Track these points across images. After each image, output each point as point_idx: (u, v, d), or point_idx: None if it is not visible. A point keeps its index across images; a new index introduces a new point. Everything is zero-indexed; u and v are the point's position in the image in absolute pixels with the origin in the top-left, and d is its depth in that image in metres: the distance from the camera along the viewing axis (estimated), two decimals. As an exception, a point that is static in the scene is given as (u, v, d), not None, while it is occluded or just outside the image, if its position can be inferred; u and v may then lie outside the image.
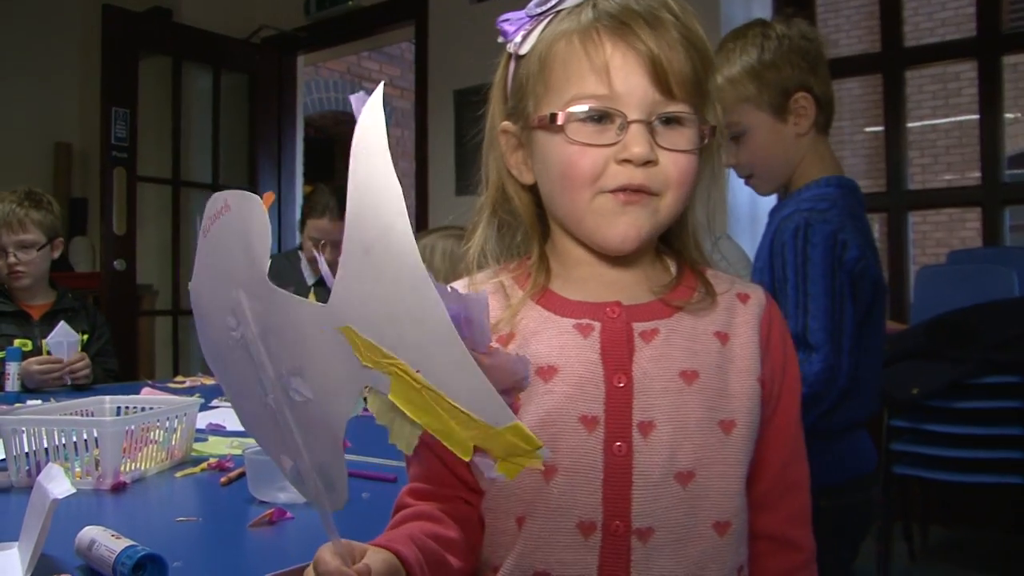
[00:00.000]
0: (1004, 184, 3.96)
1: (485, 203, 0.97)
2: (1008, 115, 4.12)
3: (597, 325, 0.88)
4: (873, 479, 1.60)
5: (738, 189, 3.12)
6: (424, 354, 0.54)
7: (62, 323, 2.73)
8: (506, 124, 0.94)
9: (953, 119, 9.60)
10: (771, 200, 3.68)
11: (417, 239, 2.06)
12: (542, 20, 0.89)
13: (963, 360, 2.97)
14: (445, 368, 0.54)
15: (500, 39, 0.93)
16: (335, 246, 3.27)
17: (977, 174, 4.20)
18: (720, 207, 0.96)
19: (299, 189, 5.55)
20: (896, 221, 4.22)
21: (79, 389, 2.68)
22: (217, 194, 0.66)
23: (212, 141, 5.17)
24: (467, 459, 0.57)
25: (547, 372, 0.86)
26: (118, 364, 3.11)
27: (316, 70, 7.69)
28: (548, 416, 0.85)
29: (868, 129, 9.74)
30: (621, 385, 0.85)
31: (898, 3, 4.23)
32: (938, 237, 9.60)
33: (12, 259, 2.78)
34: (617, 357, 0.86)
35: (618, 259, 0.91)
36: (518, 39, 0.90)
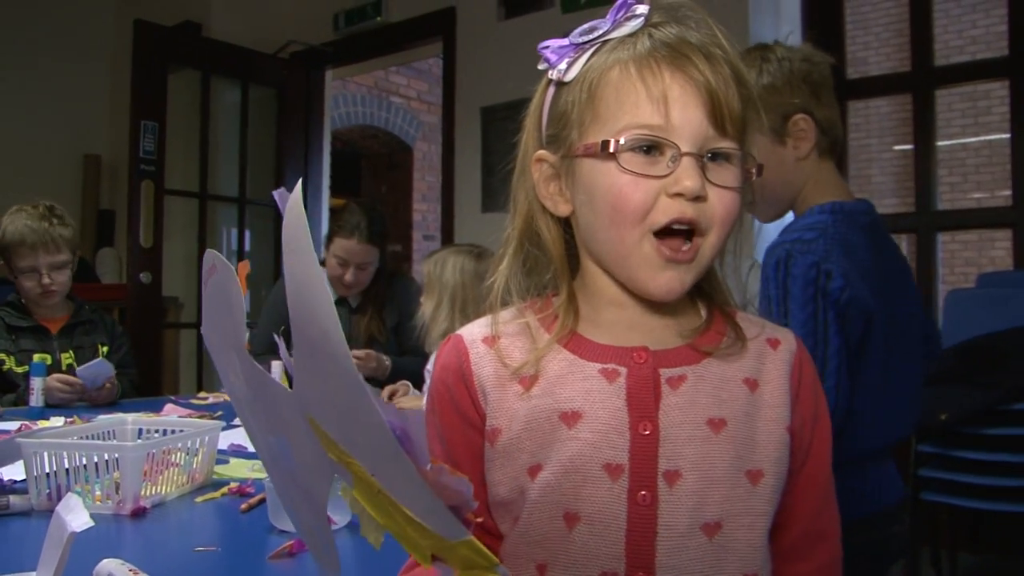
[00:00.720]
0: (1036, 206, 3.91)
1: (512, 235, 0.94)
2: (1040, 135, 4.08)
3: (623, 371, 0.85)
4: (893, 515, 1.53)
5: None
6: (375, 461, 0.53)
7: (101, 360, 2.72)
8: (542, 153, 0.91)
9: (983, 138, 9.51)
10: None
11: (432, 254, 2.07)
12: (588, 48, 0.87)
13: (994, 385, 2.92)
14: (396, 478, 0.53)
15: (541, 66, 0.90)
16: (359, 267, 3.23)
17: (1006, 192, 4.15)
18: (748, 238, 0.94)
19: (326, 203, 5.57)
20: (925, 242, 4.17)
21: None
22: (209, 252, 0.65)
23: (239, 155, 5.20)
24: (426, 567, 0.56)
25: (571, 418, 0.84)
26: (139, 375, 3.12)
27: (344, 84, 7.72)
28: (571, 463, 0.83)
29: (897, 147, 9.66)
30: (647, 433, 0.83)
31: (928, 21, 4.19)
32: (967, 257, 9.51)
33: (47, 279, 2.77)
34: (643, 404, 0.84)
35: (647, 304, 0.89)
36: (562, 66, 0.87)
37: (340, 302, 3.38)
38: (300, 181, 0.54)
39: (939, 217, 4.29)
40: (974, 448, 2.86)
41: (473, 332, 0.92)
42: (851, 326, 1.39)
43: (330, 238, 3.32)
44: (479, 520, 0.84)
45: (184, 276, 5.08)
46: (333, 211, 5.31)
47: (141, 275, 4.57)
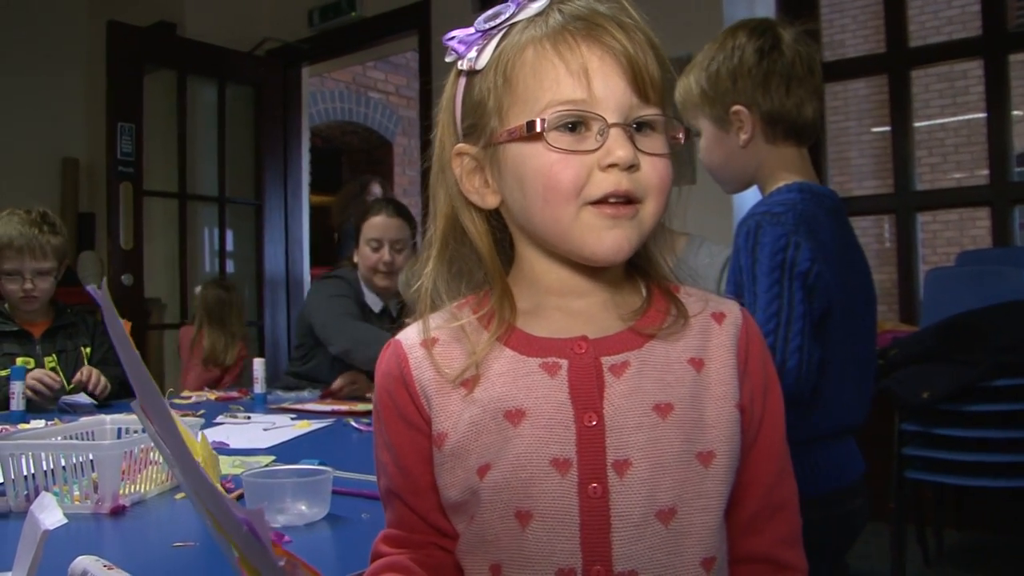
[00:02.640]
0: (1013, 183, 3.93)
1: (435, 237, 0.91)
2: (1016, 112, 4.10)
3: (564, 363, 0.84)
4: (855, 491, 1.56)
5: (743, 195, 3.10)
6: (244, 547, 0.54)
7: (83, 394, 2.70)
8: (462, 146, 0.89)
9: (961, 117, 9.55)
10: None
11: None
12: (495, 34, 0.85)
13: (974, 363, 2.94)
14: (263, 566, 0.54)
15: (449, 57, 0.89)
16: (394, 247, 3.12)
17: (985, 172, 4.18)
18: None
19: (306, 200, 5.55)
20: (904, 222, 4.19)
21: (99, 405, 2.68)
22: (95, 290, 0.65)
23: (218, 154, 5.18)
24: None
25: (515, 416, 0.82)
26: (121, 372, 3.08)
27: (322, 80, 7.70)
28: (518, 460, 0.81)
29: (875, 129, 9.70)
30: (592, 424, 0.81)
31: (903, 3, 4.21)
32: (948, 236, 9.56)
33: (28, 284, 2.78)
34: (586, 395, 0.82)
35: (588, 285, 0.88)
36: (472, 55, 0.86)
37: (384, 313, 3.24)
38: (105, 280, 0.54)
39: (918, 197, 4.32)
40: (957, 425, 2.87)
41: (410, 336, 0.90)
42: (816, 303, 1.40)
43: (358, 227, 3.18)
44: None
45: (166, 277, 5.06)
46: (345, 205, 5.17)
47: (123, 277, 4.56)
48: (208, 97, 5.21)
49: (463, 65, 0.87)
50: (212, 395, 3.01)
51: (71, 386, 2.84)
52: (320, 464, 1.51)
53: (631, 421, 0.82)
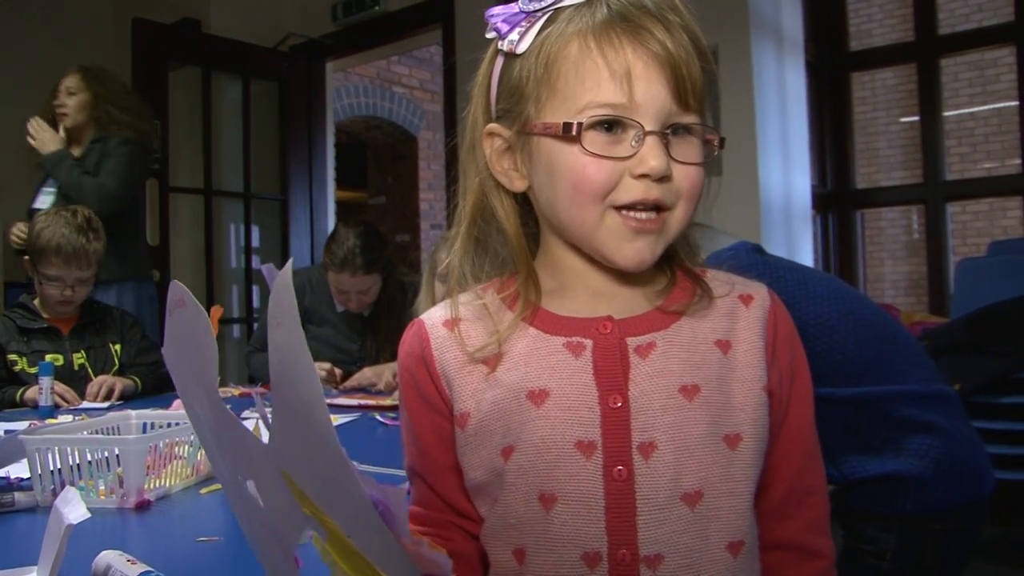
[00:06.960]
0: (1045, 172, 3.88)
1: (464, 214, 0.91)
2: (1048, 101, 4.05)
3: (589, 343, 0.83)
4: (988, 505, 1.58)
5: (770, 186, 3.08)
6: (353, 527, 0.53)
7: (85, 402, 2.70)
8: (494, 126, 0.88)
9: (992, 106, 9.42)
10: (804, 197, 3.63)
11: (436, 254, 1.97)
12: (540, 17, 0.83)
13: (1006, 354, 2.90)
14: (373, 544, 0.53)
15: (490, 34, 0.87)
16: (360, 293, 3.12)
17: (1016, 161, 4.12)
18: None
19: (331, 195, 5.56)
20: (934, 212, 4.14)
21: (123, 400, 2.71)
22: (175, 284, 0.64)
23: (243, 150, 5.19)
24: None
25: (538, 396, 0.81)
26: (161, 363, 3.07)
27: (346, 75, 7.71)
28: (542, 443, 0.80)
29: (903, 119, 9.59)
30: (617, 406, 0.80)
31: (931, -10, 4.16)
32: (978, 227, 9.43)
33: (68, 292, 2.77)
34: (611, 376, 0.81)
35: (613, 272, 0.87)
36: (514, 37, 0.83)
37: (344, 313, 3.28)
38: (290, 262, 0.53)
39: (947, 187, 4.27)
40: (989, 418, 2.84)
41: (433, 316, 0.90)
42: None
43: (324, 265, 3.14)
44: None
45: (192, 273, 5.08)
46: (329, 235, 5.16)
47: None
48: (233, 93, 5.22)
49: (503, 46, 0.85)
50: (236, 391, 3.01)
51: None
52: (345, 458, 1.50)
53: (656, 403, 0.81)
